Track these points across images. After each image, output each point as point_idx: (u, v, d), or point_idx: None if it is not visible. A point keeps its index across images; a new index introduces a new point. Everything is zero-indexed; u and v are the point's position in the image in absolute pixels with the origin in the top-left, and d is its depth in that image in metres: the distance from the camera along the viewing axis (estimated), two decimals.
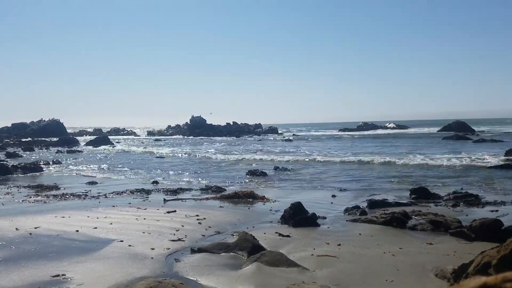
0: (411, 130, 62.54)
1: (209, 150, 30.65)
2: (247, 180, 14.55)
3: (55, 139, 42.57)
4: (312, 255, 5.52)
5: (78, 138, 47.36)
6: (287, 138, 47.81)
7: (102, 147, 35.75)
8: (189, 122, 65.31)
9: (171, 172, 17.26)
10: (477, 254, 4.30)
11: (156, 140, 49.42)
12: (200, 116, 65.30)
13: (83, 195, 11.01)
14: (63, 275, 4.85)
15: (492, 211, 8.49)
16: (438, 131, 50.28)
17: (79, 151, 30.19)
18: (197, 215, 8.14)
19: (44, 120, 57.50)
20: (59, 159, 22.44)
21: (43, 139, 44.38)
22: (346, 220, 7.80)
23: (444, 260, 5.24)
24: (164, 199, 10.18)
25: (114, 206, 9.24)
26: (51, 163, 20.65)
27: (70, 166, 20.06)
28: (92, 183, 13.62)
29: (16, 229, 6.96)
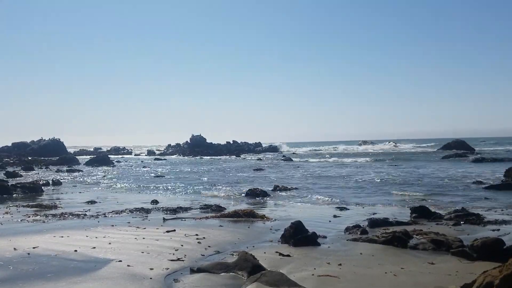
0: (410, 149, 62.60)
1: (209, 169, 30.63)
2: (246, 199, 14.50)
3: (55, 158, 42.55)
4: (313, 275, 5.47)
5: (78, 157, 47.32)
6: (287, 156, 47.83)
7: (102, 166, 35.71)
8: (189, 141, 65.52)
9: (170, 191, 17.22)
10: (479, 274, 4.26)
11: (156, 159, 49.39)
12: (200, 135, 65.54)
13: (82, 214, 10.95)
14: None
15: (493, 230, 8.45)
16: (437, 150, 50.32)
17: (79, 170, 30.14)
18: (197, 235, 8.08)
19: (44, 139, 57.59)
20: (59, 179, 22.39)
21: (43, 158, 44.38)
22: (347, 239, 7.75)
23: (446, 280, 5.19)
24: (164, 218, 10.13)
25: (113, 226, 9.18)
26: (50, 182, 20.59)
27: (70, 186, 20.01)
28: (91, 202, 13.56)
29: (14, 249, 6.90)
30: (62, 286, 5.08)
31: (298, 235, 7.35)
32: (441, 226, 8.96)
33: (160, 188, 18.57)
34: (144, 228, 8.84)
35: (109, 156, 46.52)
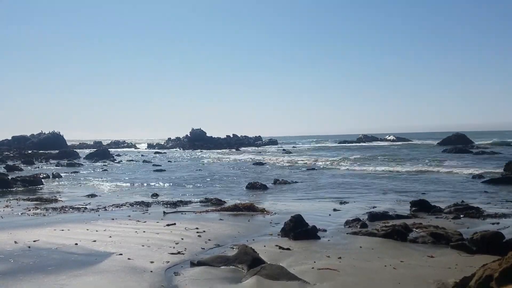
0: (411, 142, 62.52)
1: (209, 162, 30.64)
2: (247, 193, 14.52)
3: (55, 151, 42.54)
4: (313, 268, 5.48)
5: (78, 150, 47.33)
6: (286, 150, 47.83)
7: (102, 159, 35.71)
8: (189, 135, 65.51)
9: (170, 185, 17.23)
10: (478, 267, 4.27)
11: (156, 152, 49.40)
12: (200, 129, 65.53)
13: (82, 208, 10.97)
14: None
15: (493, 223, 8.46)
16: (437, 143, 50.27)
17: (79, 164, 30.15)
18: (197, 228, 8.10)
19: (44, 133, 57.61)
20: (59, 172, 22.40)
21: (43, 151, 44.38)
22: (347, 233, 7.76)
23: (445, 273, 5.20)
24: (164, 212, 10.15)
25: (113, 219, 9.20)
26: (50, 176, 20.62)
27: (70, 179, 20.03)
28: (92, 195, 13.58)
29: (15, 242, 6.92)
30: (63, 279, 5.09)
31: (298, 229, 7.35)
32: (440, 220, 8.97)
33: (160, 181, 18.59)
34: (145, 222, 8.85)
35: (109, 149, 46.53)
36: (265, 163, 29.38)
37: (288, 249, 6.55)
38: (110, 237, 7.36)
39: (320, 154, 41.03)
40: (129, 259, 5.96)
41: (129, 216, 9.66)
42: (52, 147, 49.79)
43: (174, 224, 8.53)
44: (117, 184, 17.64)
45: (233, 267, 5.54)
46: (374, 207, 10.67)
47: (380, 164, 25.67)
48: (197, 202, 11.98)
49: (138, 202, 11.80)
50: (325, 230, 7.92)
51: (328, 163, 28.64)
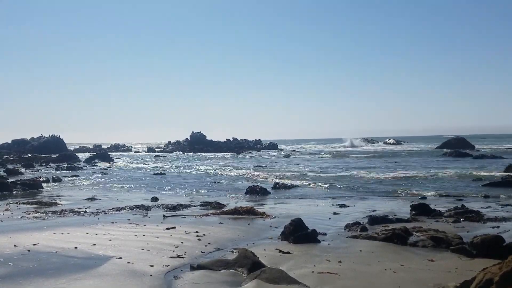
0: (411, 146, 62.52)
1: (210, 167, 30.64)
2: (247, 197, 14.51)
3: (55, 155, 42.52)
4: (313, 272, 5.48)
5: (78, 154, 47.25)
6: (286, 154, 47.83)
7: (102, 163, 35.70)
8: (189, 138, 65.57)
9: (170, 189, 17.23)
10: (479, 271, 4.27)
11: (156, 156, 49.40)
12: (200, 132, 65.61)
13: (82, 211, 10.96)
14: None
15: (493, 227, 8.46)
16: (437, 147, 50.29)
17: (79, 168, 30.13)
18: (197, 232, 8.09)
19: (44, 136, 57.57)
20: (59, 176, 22.39)
21: (43, 155, 44.36)
22: (347, 237, 7.76)
23: (445, 277, 5.20)
24: (164, 215, 10.14)
25: (113, 223, 9.19)
26: (50, 179, 20.60)
27: (70, 183, 20.02)
28: (91, 199, 13.57)
29: (15, 245, 6.91)
30: (63, 283, 5.09)
31: (298, 232, 7.35)
32: (441, 223, 8.97)
33: (160, 185, 18.58)
34: (144, 225, 8.85)
35: (109, 153, 46.51)
36: (264, 167, 29.38)
37: (288, 252, 6.55)
38: (110, 240, 7.35)
39: (320, 157, 41.02)
40: (128, 262, 5.95)
41: (129, 219, 9.65)
42: (52, 150, 49.69)
43: (174, 227, 8.52)
44: (117, 188, 17.63)
45: (233, 270, 5.54)
46: (374, 211, 10.67)
47: (380, 168, 25.66)
48: (197, 206, 11.97)
49: (138, 205, 11.80)
50: (325, 234, 7.92)
51: (326, 166, 28.63)
